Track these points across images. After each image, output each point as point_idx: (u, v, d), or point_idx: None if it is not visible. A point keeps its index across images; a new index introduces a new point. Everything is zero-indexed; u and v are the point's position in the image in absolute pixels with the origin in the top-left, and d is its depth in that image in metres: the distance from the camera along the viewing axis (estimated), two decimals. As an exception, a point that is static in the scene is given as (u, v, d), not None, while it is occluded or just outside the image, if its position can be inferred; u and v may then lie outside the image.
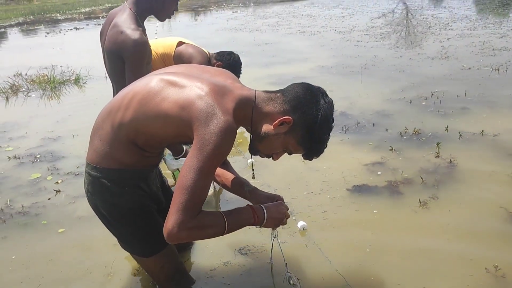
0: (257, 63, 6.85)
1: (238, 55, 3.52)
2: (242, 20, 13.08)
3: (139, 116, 1.48)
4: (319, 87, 1.56)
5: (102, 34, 2.20)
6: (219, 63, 3.37)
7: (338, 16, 11.93)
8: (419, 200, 2.57)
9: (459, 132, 3.48)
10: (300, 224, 2.40)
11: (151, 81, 1.52)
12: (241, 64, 3.51)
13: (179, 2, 2.23)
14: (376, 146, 3.45)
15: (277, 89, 1.58)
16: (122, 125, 1.52)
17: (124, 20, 2.04)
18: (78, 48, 10.17)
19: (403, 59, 6.29)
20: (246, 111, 1.49)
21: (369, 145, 3.48)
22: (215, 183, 2.40)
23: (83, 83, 6.46)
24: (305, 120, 1.49)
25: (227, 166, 1.91)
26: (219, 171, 1.87)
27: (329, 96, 1.54)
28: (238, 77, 3.42)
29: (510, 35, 7.32)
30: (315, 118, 1.48)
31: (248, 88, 1.56)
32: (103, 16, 17.03)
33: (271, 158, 1.62)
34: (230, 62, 3.41)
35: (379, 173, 3.00)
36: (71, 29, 14.36)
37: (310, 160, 1.61)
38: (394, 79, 5.32)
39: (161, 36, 3.68)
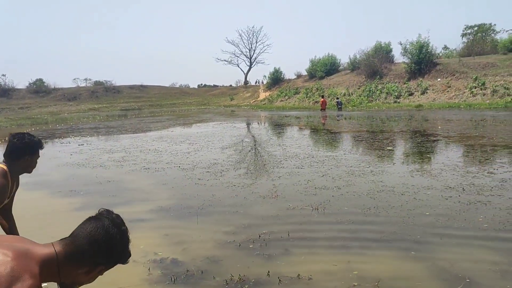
0: (94, 204, 6.65)
1: (33, 136, 2.93)
2: (87, 154, 12.85)
3: None
4: (101, 214, 1.68)
5: None
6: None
7: (184, 152, 12.47)
8: None
9: (279, 277, 3.73)
10: None
11: None
12: (36, 143, 2.87)
13: None
14: (202, 297, 3.48)
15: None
16: None
17: None
18: None
19: (238, 198, 6.71)
20: (52, 269, 1.56)
21: (195, 297, 3.50)
22: None
23: None
24: (113, 258, 1.65)
25: None
26: None
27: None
28: (38, 156, 2.93)
29: (329, 173, 8.38)
30: (119, 250, 1.65)
31: (46, 245, 1.61)
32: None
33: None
34: (26, 141, 2.84)
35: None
36: None
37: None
38: (228, 221, 5.59)
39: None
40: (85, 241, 1.61)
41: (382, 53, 42.51)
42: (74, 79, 77.67)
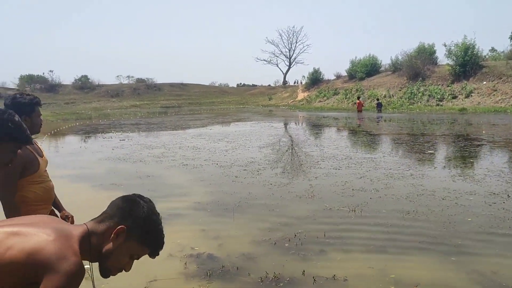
0: (134, 198, 6.82)
1: (25, 95, 2.86)
2: (128, 149, 13.18)
3: None
4: (134, 194, 1.74)
5: None
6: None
7: (221, 150, 12.58)
8: None
9: (313, 277, 3.71)
10: None
11: None
12: (26, 103, 2.80)
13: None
14: (237, 293, 3.51)
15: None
16: None
17: None
18: None
19: (274, 197, 6.71)
20: (86, 246, 1.62)
21: (230, 292, 3.53)
22: None
23: None
24: (136, 222, 1.64)
25: None
26: None
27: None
28: (39, 114, 2.91)
29: (367, 175, 8.25)
30: (143, 216, 1.65)
31: (79, 225, 1.69)
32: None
33: (123, 271, 1.69)
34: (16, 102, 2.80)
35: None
36: None
37: (157, 255, 1.71)
38: (263, 219, 5.61)
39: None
40: (113, 208, 1.69)
41: (425, 54, 41.43)
42: (117, 76, 79.44)
